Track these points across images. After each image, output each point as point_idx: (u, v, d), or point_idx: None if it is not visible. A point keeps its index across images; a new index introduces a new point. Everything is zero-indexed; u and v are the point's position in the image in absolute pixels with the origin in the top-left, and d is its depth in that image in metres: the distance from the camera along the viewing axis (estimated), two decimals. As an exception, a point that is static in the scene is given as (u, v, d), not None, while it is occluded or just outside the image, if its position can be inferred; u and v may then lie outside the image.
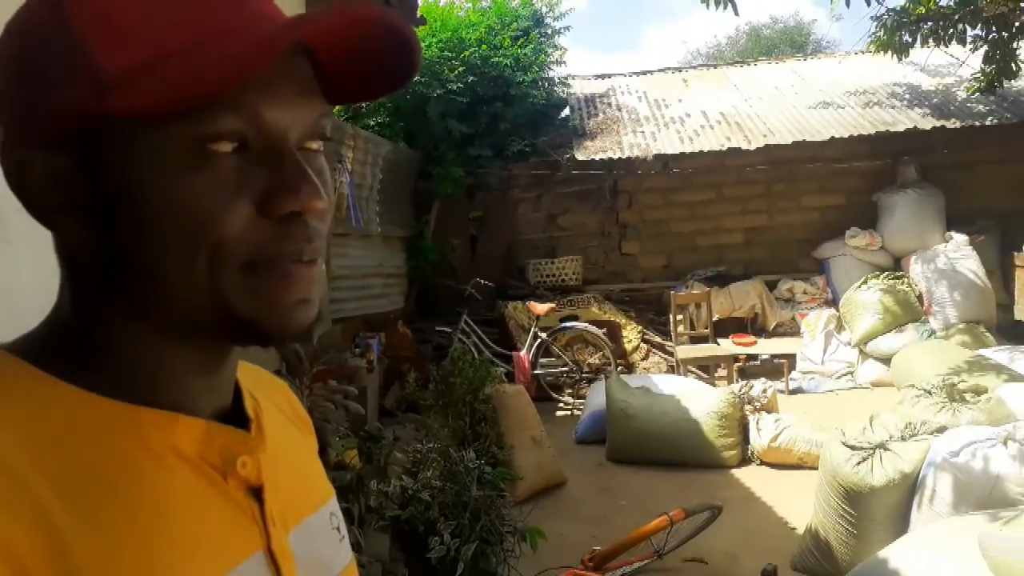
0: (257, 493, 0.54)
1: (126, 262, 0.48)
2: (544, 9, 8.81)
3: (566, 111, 8.89)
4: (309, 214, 0.50)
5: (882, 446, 3.13)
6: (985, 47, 7.01)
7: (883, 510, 3.05)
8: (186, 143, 0.46)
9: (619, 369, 6.76)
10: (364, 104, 7.15)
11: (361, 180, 6.30)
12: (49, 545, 0.41)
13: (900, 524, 3.02)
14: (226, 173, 0.47)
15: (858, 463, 3.11)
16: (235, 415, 0.57)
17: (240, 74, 0.44)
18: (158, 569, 0.45)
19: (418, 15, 5.18)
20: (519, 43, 8.16)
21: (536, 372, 6.68)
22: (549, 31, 8.77)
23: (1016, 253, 6.74)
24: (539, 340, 6.71)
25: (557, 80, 8.99)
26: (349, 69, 0.52)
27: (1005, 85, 7.23)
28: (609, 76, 10.28)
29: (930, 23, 6.75)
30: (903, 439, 3.15)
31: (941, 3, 6.73)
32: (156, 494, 0.48)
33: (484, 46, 7.90)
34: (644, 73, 10.37)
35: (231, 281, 0.48)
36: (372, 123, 7.45)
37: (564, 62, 8.93)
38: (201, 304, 0.48)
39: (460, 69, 7.56)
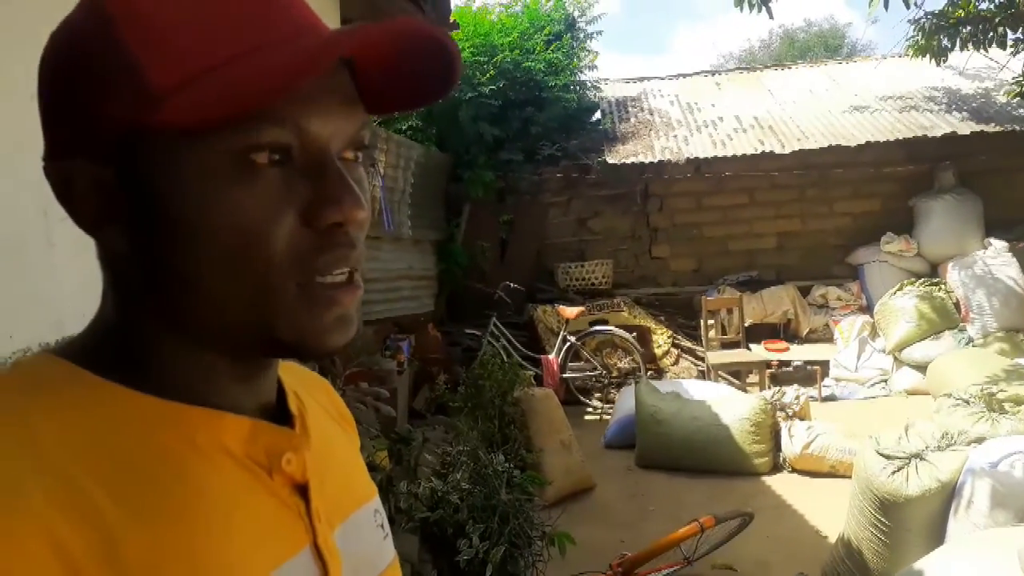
0: (303, 490, 0.55)
1: (169, 273, 0.49)
2: (576, 13, 8.80)
3: (597, 115, 8.87)
4: (351, 224, 0.50)
5: (918, 456, 3.07)
6: (1026, 50, 6.87)
7: (918, 521, 2.99)
8: (230, 156, 0.46)
9: (649, 374, 6.73)
10: (397, 109, 7.20)
11: (393, 184, 6.35)
12: (98, 539, 0.42)
13: (936, 535, 2.96)
14: (270, 186, 0.47)
15: (893, 472, 3.06)
16: (279, 413, 0.58)
17: (287, 87, 0.45)
18: (205, 564, 0.46)
19: (451, 20, 5.21)
20: (552, 47, 8.17)
21: (565, 376, 6.67)
22: (581, 35, 8.76)
23: (1058, 260, 6.59)
24: (568, 344, 6.70)
25: (589, 84, 8.97)
26: (390, 80, 0.53)
27: (1047, 89, 7.07)
28: (641, 80, 10.26)
29: (969, 27, 6.63)
30: (940, 449, 3.09)
31: (981, 6, 6.61)
32: (203, 491, 0.48)
33: (516, 51, 7.92)
34: (676, 76, 10.33)
35: (276, 296, 0.48)
36: (404, 127, 7.51)
37: (596, 66, 8.94)
38: (244, 318, 0.49)
39: (492, 73, 7.58)
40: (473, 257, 7.72)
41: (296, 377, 0.64)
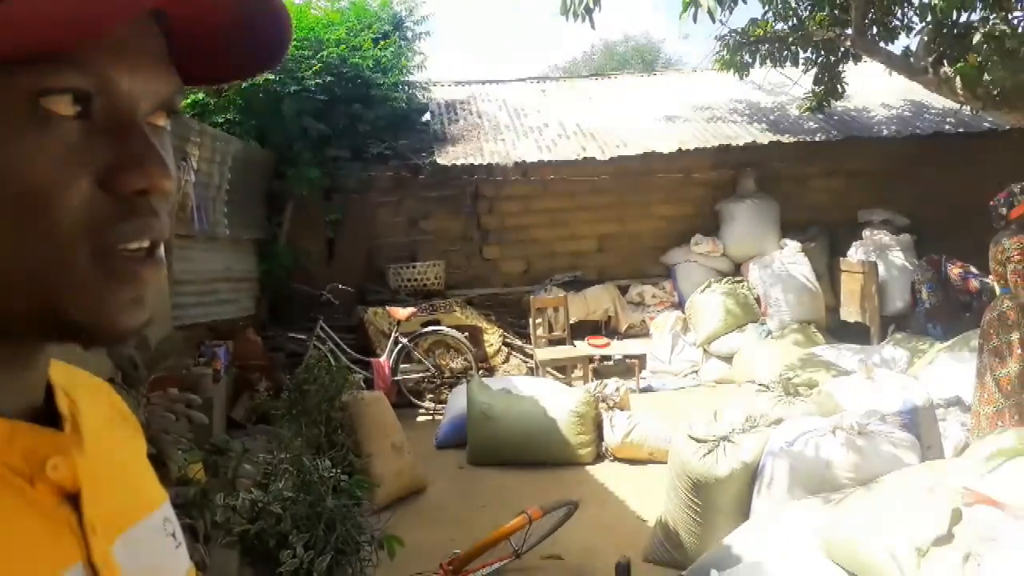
0: (74, 500, 0.48)
1: None
2: (404, 13, 8.73)
3: (427, 116, 8.85)
4: (155, 192, 0.45)
5: (726, 438, 3.30)
6: (815, 69, 7.62)
7: (727, 499, 3.21)
8: (24, 98, 0.41)
9: (480, 373, 6.78)
10: (212, 100, 6.80)
11: (208, 180, 5.96)
12: None
13: (743, 511, 3.19)
14: (65, 139, 0.42)
15: (704, 455, 3.26)
16: (46, 415, 0.50)
17: (96, 21, 0.40)
18: None
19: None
20: (380, 46, 8.04)
21: (397, 378, 6.59)
22: (409, 35, 8.71)
23: (842, 259, 7.37)
24: (400, 345, 6.62)
25: (418, 85, 8.94)
26: (211, 45, 0.49)
27: (832, 105, 7.88)
28: (469, 83, 10.34)
29: (767, 45, 7.25)
30: (744, 431, 3.33)
31: (777, 27, 7.25)
32: None
33: (343, 47, 7.72)
34: (503, 82, 10.52)
35: (65, 266, 0.43)
36: (220, 120, 7.08)
37: (425, 67, 8.93)
38: (27, 290, 0.43)
39: (317, 67, 7.33)
40: (298, 257, 7.43)
41: (68, 377, 0.56)
